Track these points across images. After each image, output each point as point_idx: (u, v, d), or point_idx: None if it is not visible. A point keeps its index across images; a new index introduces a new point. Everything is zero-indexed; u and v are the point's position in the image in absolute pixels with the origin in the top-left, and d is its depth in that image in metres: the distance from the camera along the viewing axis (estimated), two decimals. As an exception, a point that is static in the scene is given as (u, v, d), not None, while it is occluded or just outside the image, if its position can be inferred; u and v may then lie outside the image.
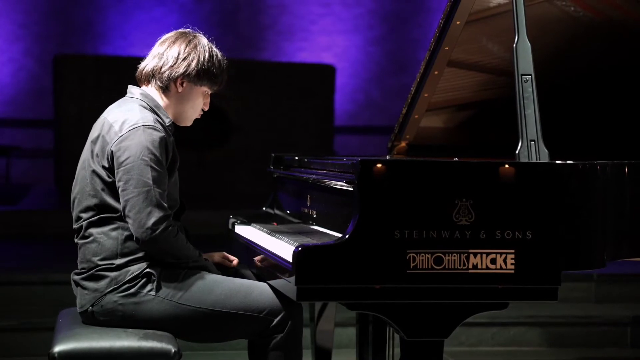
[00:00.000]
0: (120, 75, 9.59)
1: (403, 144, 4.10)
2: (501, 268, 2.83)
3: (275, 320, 3.11)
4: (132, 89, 3.26)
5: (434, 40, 3.72)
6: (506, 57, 3.77)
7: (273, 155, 4.00)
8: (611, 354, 5.48)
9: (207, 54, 3.22)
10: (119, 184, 3.04)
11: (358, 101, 13.45)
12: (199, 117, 3.33)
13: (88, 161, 3.14)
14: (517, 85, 3.06)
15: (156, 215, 3.00)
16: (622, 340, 5.55)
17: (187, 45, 3.22)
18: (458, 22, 3.62)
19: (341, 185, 3.04)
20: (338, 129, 11.63)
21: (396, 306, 2.82)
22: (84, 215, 3.13)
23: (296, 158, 3.71)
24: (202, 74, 3.22)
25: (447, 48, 3.72)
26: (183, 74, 3.20)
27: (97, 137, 3.14)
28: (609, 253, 3.05)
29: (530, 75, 3.07)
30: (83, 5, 12.94)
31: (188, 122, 3.31)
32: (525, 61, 3.08)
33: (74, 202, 3.18)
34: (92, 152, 3.14)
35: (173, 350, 2.98)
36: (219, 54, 3.27)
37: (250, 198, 9.02)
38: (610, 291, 5.95)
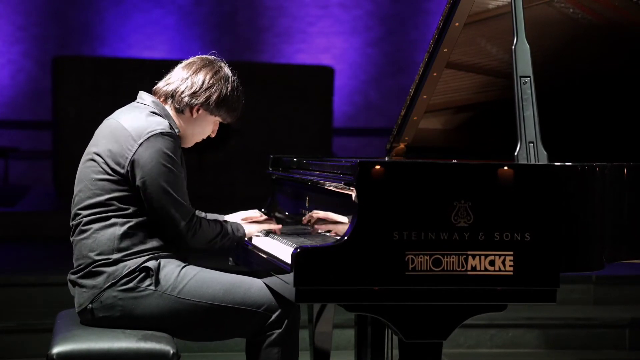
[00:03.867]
0: (118, 77, 9.66)
1: (402, 145, 4.10)
2: (500, 270, 2.83)
3: (273, 317, 3.12)
4: (142, 95, 3.28)
5: (432, 42, 3.72)
6: (505, 59, 3.78)
7: (271, 156, 4.00)
8: (609, 356, 5.48)
9: (229, 87, 3.26)
10: (144, 193, 3.09)
11: (356, 103, 13.45)
12: (199, 140, 3.36)
13: (96, 161, 3.15)
14: (516, 87, 3.07)
15: (185, 220, 3.11)
16: (621, 342, 5.55)
17: (212, 76, 3.24)
18: (457, 24, 3.62)
19: (340, 187, 3.04)
20: (336, 130, 11.63)
21: (395, 308, 2.82)
22: (83, 212, 3.15)
23: (295, 160, 3.71)
24: (221, 106, 3.26)
25: (445, 50, 3.73)
26: (202, 103, 3.23)
27: (108, 140, 3.15)
28: (607, 255, 3.05)
29: (529, 77, 3.08)
30: (81, 7, 12.94)
31: (189, 144, 3.36)
32: (524, 63, 3.08)
33: (74, 199, 3.19)
34: (101, 153, 3.14)
35: (171, 352, 2.99)
36: (240, 88, 3.31)
37: (248, 200, 9.00)
38: (608, 293, 5.96)
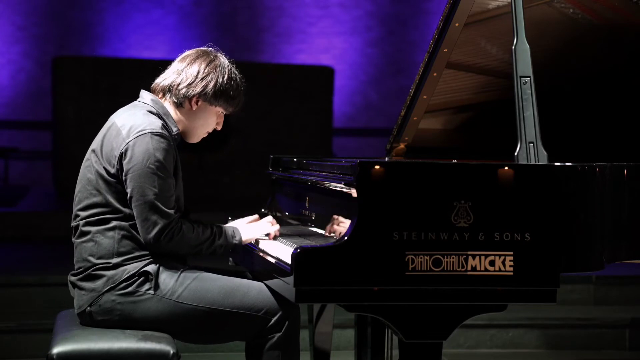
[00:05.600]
0: (118, 77, 9.67)
1: (402, 145, 4.10)
2: (500, 270, 2.83)
3: (273, 320, 3.11)
4: (143, 94, 3.26)
5: (432, 42, 3.72)
6: (505, 59, 3.77)
7: (272, 157, 4.00)
8: (609, 356, 5.48)
9: (226, 76, 3.22)
10: (127, 191, 3.06)
11: (356, 103, 13.45)
12: (205, 135, 3.33)
13: (92, 160, 3.15)
14: (516, 87, 3.06)
15: (160, 224, 3.03)
16: (621, 343, 5.55)
17: (207, 65, 3.21)
18: (457, 24, 3.62)
19: (340, 187, 3.03)
20: (336, 130, 11.63)
21: (395, 308, 2.82)
22: (82, 214, 3.14)
23: (295, 160, 3.71)
24: (219, 95, 3.22)
25: (445, 50, 3.72)
26: (199, 93, 3.19)
27: (103, 139, 3.15)
28: (607, 255, 3.05)
29: (529, 77, 3.07)
30: (81, 7, 12.94)
31: (195, 139, 3.31)
32: (524, 63, 3.08)
33: (74, 200, 3.18)
34: (96, 152, 3.14)
35: (171, 352, 2.98)
36: (238, 77, 3.27)
37: (248, 200, 9.02)
38: (608, 293, 5.96)
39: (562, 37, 3.81)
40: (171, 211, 3.06)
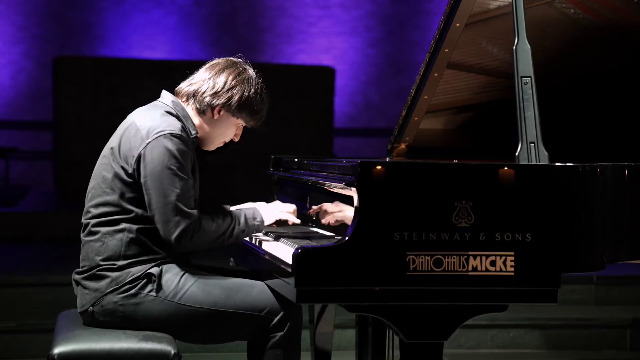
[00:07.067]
0: (118, 77, 9.66)
1: (402, 146, 4.09)
2: (501, 270, 2.83)
3: (275, 320, 3.11)
4: (164, 94, 3.26)
5: (433, 42, 3.72)
6: (506, 59, 3.77)
7: (272, 157, 4.01)
8: (610, 356, 5.48)
9: (252, 89, 3.23)
10: (146, 192, 3.05)
11: (357, 103, 13.45)
12: (221, 144, 3.32)
13: (108, 158, 3.14)
14: (517, 88, 3.06)
15: (182, 225, 3.01)
16: (622, 343, 5.56)
17: (235, 77, 3.21)
18: (458, 24, 3.62)
19: (340, 187, 3.04)
20: (337, 131, 11.63)
21: (396, 308, 2.82)
22: (93, 211, 3.13)
23: (295, 160, 3.72)
24: (243, 108, 3.22)
25: (446, 50, 3.72)
26: (224, 103, 3.20)
27: (122, 137, 3.14)
28: (608, 255, 3.05)
29: (530, 77, 3.07)
30: (82, 7, 12.95)
31: (211, 147, 3.31)
32: (525, 63, 3.08)
33: (87, 195, 3.18)
34: (114, 150, 3.13)
35: (172, 352, 2.99)
36: (264, 91, 3.27)
37: (249, 200, 9.01)
38: (609, 293, 5.96)
39: (563, 38, 3.81)
40: (193, 211, 3.05)
